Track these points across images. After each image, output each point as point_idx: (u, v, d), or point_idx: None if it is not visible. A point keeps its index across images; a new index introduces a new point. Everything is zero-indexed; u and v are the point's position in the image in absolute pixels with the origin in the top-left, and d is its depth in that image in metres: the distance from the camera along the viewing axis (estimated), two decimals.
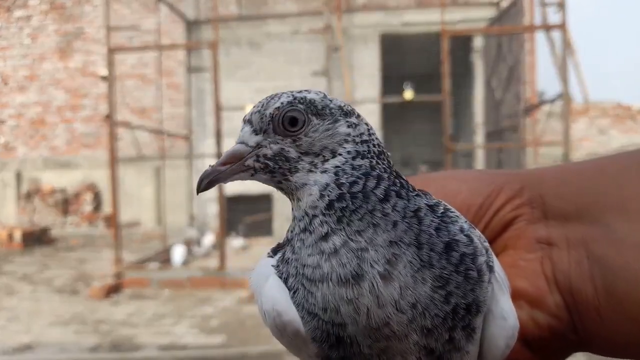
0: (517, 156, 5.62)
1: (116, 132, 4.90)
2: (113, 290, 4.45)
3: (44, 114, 9.04)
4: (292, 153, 0.27)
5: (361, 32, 7.67)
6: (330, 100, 0.29)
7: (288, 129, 0.28)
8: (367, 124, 0.32)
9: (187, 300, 4.17)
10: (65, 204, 8.63)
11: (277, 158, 0.27)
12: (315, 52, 7.62)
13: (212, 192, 7.70)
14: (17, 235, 6.90)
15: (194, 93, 7.93)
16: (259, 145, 0.28)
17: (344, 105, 0.30)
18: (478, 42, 7.20)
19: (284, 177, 0.29)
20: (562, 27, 4.83)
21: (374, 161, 0.29)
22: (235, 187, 7.33)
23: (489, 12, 7.10)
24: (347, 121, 0.30)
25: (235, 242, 6.78)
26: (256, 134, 0.28)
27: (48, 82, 9.00)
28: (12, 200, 8.91)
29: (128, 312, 3.89)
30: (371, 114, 7.53)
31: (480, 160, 7.19)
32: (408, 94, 7.60)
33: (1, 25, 9.09)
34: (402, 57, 7.97)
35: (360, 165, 0.29)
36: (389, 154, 0.32)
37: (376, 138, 0.32)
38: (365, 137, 0.30)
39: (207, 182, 0.29)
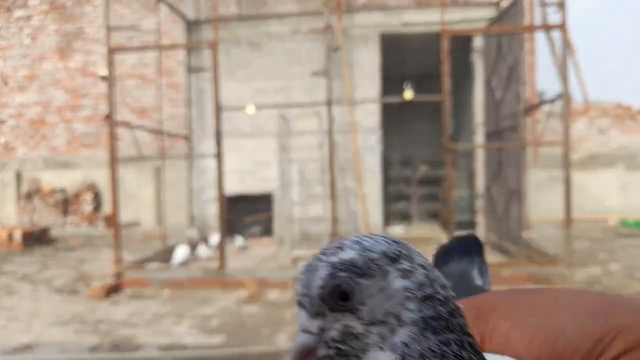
0: (517, 156, 5.60)
1: (116, 132, 4.89)
2: (113, 290, 4.44)
3: (44, 114, 9.03)
4: (358, 327, 0.24)
5: (361, 32, 7.66)
6: (371, 250, 0.26)
7: (342, 304, 0.25)
8: (423, 266, 0.28)
9: (187, 300, 4.16)
10: (65, 204, 8.62)
11: (346, 338, 0.25)
12: (316, 52, 7.61)
13: (212, 192, 7.70)
14: (17, 235, 6.89)
15: (194, 93, 7.92)
16: (322, 330, 0.25)
17: (388, 249, 0.26)
18: (478, 42, 7.19)
19: (356, 357, 0.26)
20: (562, 27, 4.83)
21: (444, 337, 0.26)
22: (235, 186, 7.30)
23: (489, 12, 7.09)
24: (398, 270, 0.26)
25: (237, 242, 6.77)
26: (314, 318, 0.25)
27: (48, 82, 8.99)
28: (12, 200, 8.90)
29: (128, 312, 3.88)
30: (371, 114, 7.52)
31: (480, 160, 7.18)
32: (408, 94, 7.59)
33: (1, 25, 9.09)
34: (402, 57, 7.96)
35: (429, 348, 0.25)
36: (461, 313, 0.27)
37: (441, 285, 0.27)
38: (427, 290, 0.27)
39: None
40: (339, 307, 0.25)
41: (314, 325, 0.25)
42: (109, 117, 4.92)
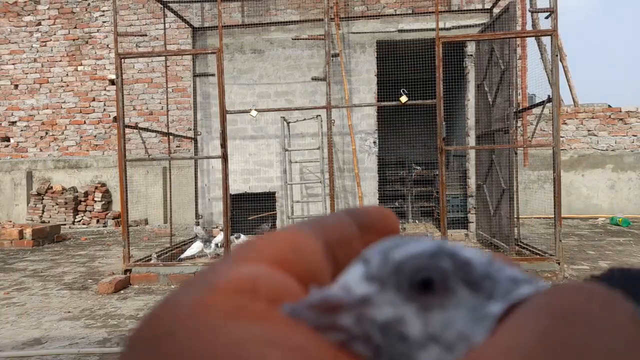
0: (508, 157, 5.59)
1: (125, 134, 4.86)
2: (122, 285, 4.41)
3: (54, 116, 8.99)
4: (415, 330, 0.16)
5: (359, 39, 7.64)
6: (498, 269, 0.18)
7: (417, 293, 0.17)
8: None
9: None
10: (76, 202, 8.57)
11: (388, 330, 0.16)
12: (315, 58, 7.59)
13: (217, 191, 7.66)
14: (28, 233, 6.85)
15: (199, 97, 7.89)
16: (365, 300, 0.17)
17: (519, 274, 0.19)
18: (471, 48, 7.17)
19: None
20: (553, 33, 4.81)
21: None
22: (239, 186, 7.28)
23: (482, 19, 7.08)
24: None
25: (241, 238, 6.74)
26: (369, 282, 0.17)
27: (58, 86, 8.95)
28: (23, 200, 8.86)
29: (136, 307, 3.84)
30: (368, 117, 7.50)
31: (472, 160, 7.17)
32: (403, 98, 7.57)
33: (11, 30, 9.04)
34: (398, 63, 7.95)
35: None
36: None
37: None
38: None
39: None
40: (409, 291, 0.17)
41: (361, 288, 0.17)
42: (117, 120, 4.89)
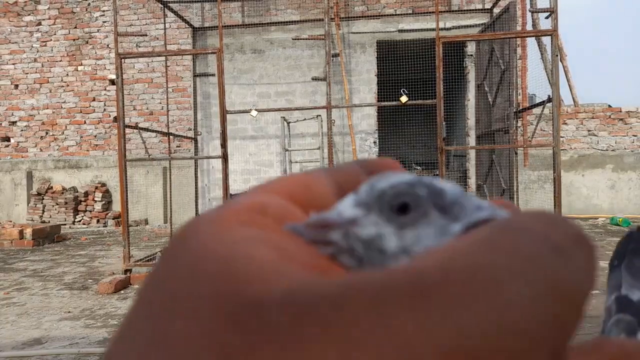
0: (508, 157, 5.59)
1: (125, 134, 4.86)
2: (122, 285, 4.41)
3: (55, 116, 8.99)
4: (391, 244, 0.20)
5: (359, 39, 7.64)
6: (468, 199, 0.21)
7: (396, 214, 0.20)
8: None
9: None
10: (76, 202, 8.58)
11: (370, 245, 0.20)
12: (316, 58, 7.59)
13: (217, 191, 7.66)
14: (28, 233, 6.85)
15: (199, 97, 7.89)
16: (353, 221, 0.20)
17: (485, 205, 0.22)
18: (471, 48, 7.17)
19: None
20: (553, 33, 4.80)
21: None
22: (239, 186, 7.29)
23: (482, 19, 7.08)
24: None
25: None
26: (357, 207, 0.21)
27: (58, 86, 8.95)
28: (24, 199, 8.86)
29: None
30: (368, 117, 7.50)
31: (472, 160, 7.16)
32: (403, 98, 7.57)
33: (11, 30, 9.04)
34: (398, 63, 7.95)
35: None
36: None
37: None
38: None
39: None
40: (389, 214, 0.20)
41: (350, 211, 0.20)
42: (118, 120, 4.89)
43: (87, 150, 8.94)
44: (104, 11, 8.70)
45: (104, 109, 8.82)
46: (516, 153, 5.67)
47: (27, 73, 9.03)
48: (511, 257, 0.12)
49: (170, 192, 6.02)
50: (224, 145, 4.77)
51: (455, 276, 0.11)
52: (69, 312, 3.74)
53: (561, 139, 6.22)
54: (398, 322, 0.10)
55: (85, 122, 8.91)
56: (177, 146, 8.22)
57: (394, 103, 5.50)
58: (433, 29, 6.78)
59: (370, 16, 7.61)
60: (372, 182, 0.21)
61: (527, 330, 0.11)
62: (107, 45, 8.65)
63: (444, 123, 4.68)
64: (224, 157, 4.79)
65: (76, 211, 8.57)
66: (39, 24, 8.95)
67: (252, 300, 0.11)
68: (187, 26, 7.70)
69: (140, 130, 5.54)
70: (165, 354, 0.11)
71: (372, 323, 0.10)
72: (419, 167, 9.47)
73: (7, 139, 9.20)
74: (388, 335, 0.10)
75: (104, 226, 8.47)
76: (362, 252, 0.19)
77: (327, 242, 0.19)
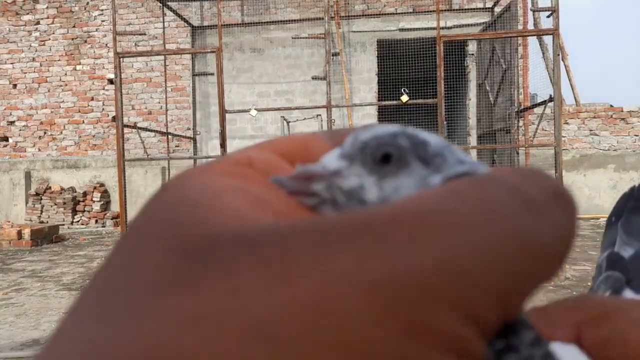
0: (509, 157, 5.59)
1: (123, 133, 4.86)
2: None
3: (53, 116, 8.99)
4: (372, 195, 0.20)
5: (359, 37, 7.64)
6: (451, 151, 0.21)
7: (377, 166, 0.20)
8: None
9: None
10: (74, 202, 8.58)
11: (351, 195, 0.20)
12: (316, 57, 7.59)
13: None
14: (27, 233, 6.86)
15: (198, 96, 7.89)
16: (336, 173, 0.20)
17: (469, 159, 0.22)
18: (472, 46, 7.17)
19: None
20: (554, 32, 4.80)
21: None
22: None
23: (483, 18, 7.08)
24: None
25: None
26: (341, 159, 0.21)
27: (56, 85, 8.95)
28: (22, 200, 8.87)
29: None
30: (369, 117, 7.50)
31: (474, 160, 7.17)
32: (404, 97, 7.58)
33: (9, 29, 9.05)
34: (399, 62, 7.95)
35: None
36: None
37: None
38: None
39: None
40: (371, 165, 0.20)
41: (334, 164, 0.21)
42: (116, 119, 4.89)
43: (86, 150, 8.94)
44: (102, 10, 8.70)
45: (103, 109, 8.83)
46: (517, 153, 5.67)
47: (26, 72, 9.03)
48: (473, 206, 0.11)
49: None
50: (223, 145, 4.77)
51: (403, 218, 0.11)
52: None
53: (563, 138, 6.22)
54: (334, 260, 0.10)
55: (83, 122, 8.91)
56: (175, 146, 8.22)
57: (394, 102, 5.50)
58: (434, 28, 6.78)
59: (371, 15, 7.61)
60: (356, 134, 0.21)
61: (471, 273, 0.10)
62: (106, 45, 8.65)
63: (444, 122, 4.68)
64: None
65: (74, 211, 8.57)
66: (38, 23, 8.95)
67: (206, 237, 0.11)
68: (186, 25, 7.71)
69: (139, 130, 5.54)
70: (119, 284, 0.11)
71: (308, 260, 0.10)
72: None
73: (6, 138, 9.20)
74: (320, 273, 0.10)
75: (102, 226, 8.47)
76: (343, 203, 0.20)
77: (310, 194, 0.19)
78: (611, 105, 8.36)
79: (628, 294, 0.34)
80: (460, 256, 0.10)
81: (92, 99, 8.85)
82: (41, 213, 8.61)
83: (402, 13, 7.57)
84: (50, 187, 8.73)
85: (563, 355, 0.18)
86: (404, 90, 6.69)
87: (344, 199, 0.19)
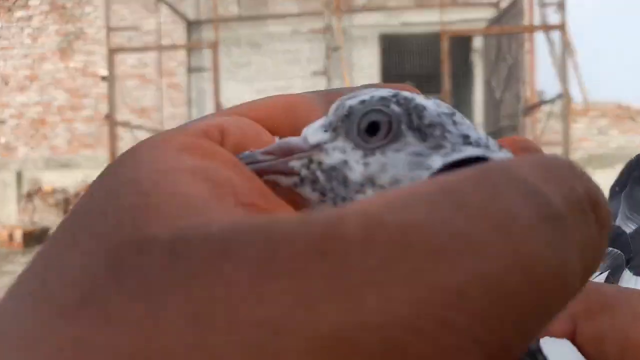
0: None
1: (117, 132, 4.82)
2: None
3: (45, 114, 8.95)
4: (356, 174, 0.17)
5: (361, 32, 7.59)
6: (455, 122, 0.17)
7: (364, 137, 0.17)
8: None
9: None
10: (66, 203, 8.54)
11: (333, 174, 0.17)
12: (316, 52, 7.54)
13: None
14: (18, 235, 6.82)
15: (194, 93, 7.85)
16: (318, 146, 0.17)
17: (476, 136, 0.17)
18: (478, 42, 7.12)
19: (333, 206, 0.18)
20: (561, 27, 4.76)
21: None
22: None
23: (489, 13, 7.02)
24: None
25: None
26: (325, 130, 0.18)
27: (48, 82, 8.91)
28: (13, 200, 8.82)
29: None
30: None
31: None
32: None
33: (2, 25, 9.00)
34: (402, 57, 7.90)
35: None
36: None
37: None
38: None
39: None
40: (356, 137, 0.17)
41: (316, 137, 0.18)
42: (109, 117, 4.85)
43: (78, 150, 8.91)
44: (96, 6, 8.65)
45: (96, 107, 8.78)
46: None
47: (18, 69, 8.99)
48: (475, 220, 0.08)
49: None
50: None
51: (377, 237, 0.08)
52: None
53: (571, 137, 6.18)
54: (273, 301, 0.07)
55: (76, 120, 8.87)
56: None
57: None
58: (438, 23, 6.73)
59: (373, 9, 7.56)
60: (342, 99, 0.18)
61: (462, 325, 0.07)
62: (99, 41, 8.61)
63: None
64: None
65: (67, 212, 8.53)
66: (30, 19, 8.91)
67: (140, 241, 0.10)
68: (181, 19, 7.65)
69: (133, 129, 5.50)
70: (33, 296, 0.10)
71: (242, 292, 0.08)
72: None
73: None
74: (253, 317, 0.07)
75: None
76: (324, 183, 0.17)
77: (288, 172, 0.17)
78: (620, 104, 8.33)
79: (626, 275, 0.32)
80: (449, 298, 0.08)
81: (85, 96, 8.81)
82: (33, 214, 8.57)
83: (404, 8, 7.52)
84: (41, 188, 8.69)
85: (552, 351, 0.16)
86: (407, 84, 6.63)
87: (324, 178, 0.17)
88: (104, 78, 8.50)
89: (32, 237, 6.93)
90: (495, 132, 6.27)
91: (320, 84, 7.35)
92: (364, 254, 0.08)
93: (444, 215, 0.08)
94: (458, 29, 6.30)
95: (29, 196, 8.60)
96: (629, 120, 7.99)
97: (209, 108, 7.41)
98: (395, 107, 0.16)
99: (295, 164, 0.17)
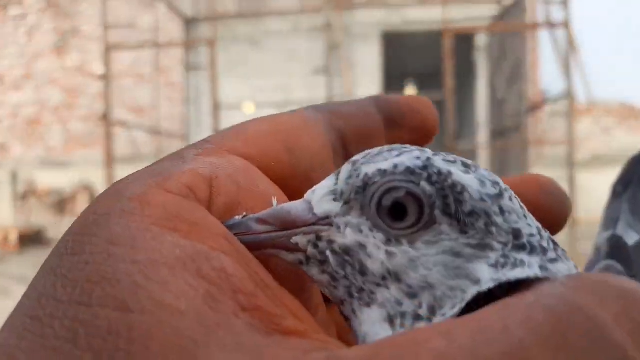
0: (520, 155, 5.57)
1: (113, 132, 4.84)
2: None
3: (40, 113, 8.97)
4: (376, 264, 0.14)
5: (362, 29, 7.61)
6: (502, 210, 0.14)
7: (384, 218, 0.14)
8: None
9: None
10: (62, 204, 8.55)
11: (346, 258, 0.14)
12: (315, 50, 7.55)
13: None
14: (13, 236, 6.84)
15: (191, 91, 7.86)
16: (327, 219, 0.14)
17: (528, 232, 0.14)
18: (480, 40, 7.14)
19: (346, 296, 0.15)
20: (565, 24, 4.78)
21: None
22: None
23: (492, 10, 7.04)
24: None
25: None
26: (334, 199, 0.15)
27: (44, 81, 8.92)
28: (8, 201, 8.84)
29: None
30: None
31: (482, 159, 7.14)
32: (409, 92, 7.56)
33: None
34: (404, 55, 7.92)
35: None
36: None
37: None
38: None
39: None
40: (376, 216, 0.14)
41: (324, 206, 0.15)
42: (105, 117, 4.87)
43: (74, 149, 8.92)
44: (91, 3, 8.66)
45: (91, 106, 8.80)
46: (529, 151, 5.65)
47: (13, 68, 9.01)
48: None
49: None
50: None
51: None
52: None
53: (575, 137, 6.20)
54: None
55: (71, 120, 8.88)
56: (167, 144, 8.20)
57: None
58: (440, 20, 6.75)
59: (374, 5, 7.58)
60: (355, 162, 0.15)
61: None
62: (95, 38, 8.62)
63: (451, 119, 4.66)
64: None
65: (62, 213, 8.55)
66: (25, 17, 8.92)
67: None
68: (178, 17, 7.67)
69: (129, 128, 5.52)
70: None
71: None
72: None
73: None
74: None
75: None
76: (336, 268, 0.14)
77: (290, 248, 0.14)
78: (625, 103, 8.35)
79: None
80: None
81: (81, 95, 8.82)
82: (28, 215, 8.59)
83: (406, 5, 7.53)
84: (37, 188, 8.70)
85: None
86: (409, 82, 6.67)
87: (336, 262, 0.14)
88: (100, 76, 8.53)
89: (28, 238, 6.95)
90: (498, 131, 6.29)
91: (320, 83, 7.37)
92: None
93: None
94: (460, 26, 6.32)
95: (24, 197, 8.62)
96: (634, 119, 8.02)
97: (207, 106, 7.43)
98: (426, 187, 0.13)
99: (299, 239, 0.14)
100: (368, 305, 0.14)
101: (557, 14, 6.24)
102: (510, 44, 5.72)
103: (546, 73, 7.17)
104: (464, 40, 7.10)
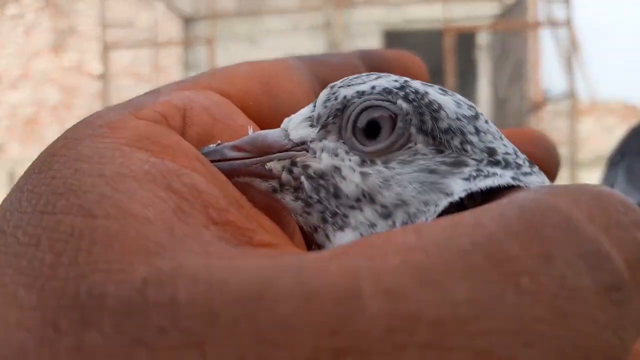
0: None
1: None
2: None
3: (38, 113, 9.05)
4: (350, 186, 0.14)
5: (362, 28, 7.67)
6: (477, 130, 0.14)
7: (360, 139, 0.14)
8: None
9: None
10: None
11: (321, 182, 0.14)
12: (315, 49, 7.62)
13: None
14: None
15: None
16: (302, 145, 0.15)
17: (504, 150, 0.15)
18: (482, 39, 7.20)
19: (320, 221, 0.15)
20: (567, 23, 4.84)
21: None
22: None
23: (493, 9, 7.10)
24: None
25: None
26: (311, 124, 0.15)
27: (42, 80, 9.01)
28: None
29: None
30: None
31: None
32: None
33: None
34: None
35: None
36: None
37: None
38: None
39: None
40: (351, 138, 0.14)
41: (300, 132, 0.15)
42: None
43: None
44: (89, 2, 8.75)
45: (90, 105, 8.88)
46: None
47: (10, 67, 9.09)
48: (527, 299, 0.07)
49: None
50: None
51: (407, 343, 0.07)
52: None
53: (577, 136, 6.26)
54: None
55: (69, 119, 8.96)
56: None
57: None
58: (441, 19, 6.81)
59: (374, 3, 7.64)
60: (333, 86, 0.15)
61: None
62: (94, 38, 8.70)
63: None
64: None
65: None
66: (23, 16, 9.01)
67: (85, 306, 0.08)
68: (177, 15, 7.74)
69: None
70: None
71: None
72: None
73: None
74: None
75: None
76: (310, 193, 0.14)
77: (266, 175, 0.14)
78: (627, 103, 8.41)
79: None
80: None
81: (79, 94, 8.90)
82: None
83: (407, 3, 7.60)
84: None
85: None
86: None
87: (310, 187, 0.14)
88: (98, 76, 8.60)
89: None
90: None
91: None
92: (383, 343, 0.07)
93: (492, 295, 0.07)
94: (462, 25, 6.39)
95: None
96: (635, 119, 8.07)
97: None
98: (403, 104, 0.13)
99: (274, 165, 0.14)
100: (342, 229, 0.14)
101: (559, 13, 6.31)
102: (512, 43, 5.79)
103: (548, 72, 7.23)
104: (465, 39, 7.17)
